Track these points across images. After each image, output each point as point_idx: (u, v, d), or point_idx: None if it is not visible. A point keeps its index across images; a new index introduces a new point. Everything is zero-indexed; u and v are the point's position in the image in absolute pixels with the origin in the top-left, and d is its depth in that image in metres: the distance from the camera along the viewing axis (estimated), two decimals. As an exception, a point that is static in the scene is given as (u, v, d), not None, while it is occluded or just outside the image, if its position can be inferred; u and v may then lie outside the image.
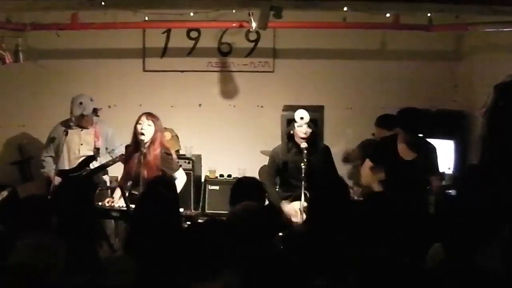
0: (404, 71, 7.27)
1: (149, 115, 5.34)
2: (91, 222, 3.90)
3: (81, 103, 5.76)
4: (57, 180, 5.54)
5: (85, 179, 4.97)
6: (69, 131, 5.75)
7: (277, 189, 5.57)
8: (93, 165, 5.53)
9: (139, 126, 5.28)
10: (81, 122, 5.81)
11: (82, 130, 5.81)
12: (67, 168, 5.70)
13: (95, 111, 5.88)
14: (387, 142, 5.37)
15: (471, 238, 3.14)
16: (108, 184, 5.96)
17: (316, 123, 5.30)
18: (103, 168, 5.57)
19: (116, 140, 5.98)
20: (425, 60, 7.31)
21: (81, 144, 5.80)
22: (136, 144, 5.27)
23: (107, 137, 5.95)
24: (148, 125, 5.28)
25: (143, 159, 5.19)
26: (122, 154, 5.52)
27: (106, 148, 5.95)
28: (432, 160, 5.21)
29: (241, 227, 3.38)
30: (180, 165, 5.74)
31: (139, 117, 5.33)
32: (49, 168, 5.83)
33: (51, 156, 5.90)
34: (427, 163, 5.15)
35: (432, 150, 5.24)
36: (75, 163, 5.65)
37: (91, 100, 5.84)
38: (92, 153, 5.70)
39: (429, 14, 6.26)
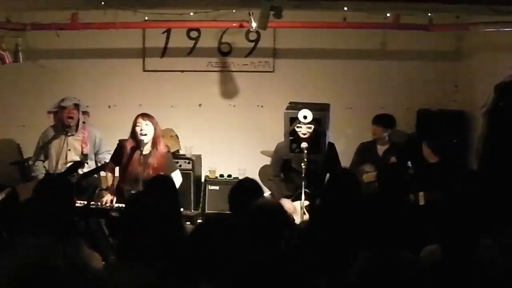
0: (404, 71, 7.27)
1: (145, 115, 5.38)
2: (72, 224, 3.87)
3: (63, 99, 5.80)
4: None
5: (66, 182, 4.94)
6: (59, 135, 5.77)
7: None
8: (82, 170, 5.57)
9: (137, 128, 5.31)
10: (62, 116, 5.77)
11: (69, 135, 5.78)
12: (54, 171, 5.71)
13: (76, 106, 5.84)
14: (411, 141, 5.37)
15: (469, 237, 3.14)
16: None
17: (319, 123, 5.26)
18: (88, 176, 5.58)
19: (103, 146, 5.98)
20: (425, 60, 7.31)
21: (69, 150, 5.78)
22: (136, 145, 5.29)
23: (95, 142, 5.95)
24: (146, 124, 5.32)
25: (145, 159, 5.23)
26: (107, 163, 5.55)
27: (95, 153, 5.97)
28: (456, 162, 5.21)
29: (257, 225, 3.37)
30: (180, 165, 5.76)
31: (135, 119, 5.36)
32: (38, 172, 5.86)
33: (41, 160, 5.92)
34: (451, 165, 5.14)
35: (455, 152, 5.26)
36: (62, 168, 5.65)
37: (75, 98, 5.85)
38: (79, 159, 5.73)
39: (429, 14, 6.26)
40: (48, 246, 3.20)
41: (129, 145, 5.35)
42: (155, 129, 5.35)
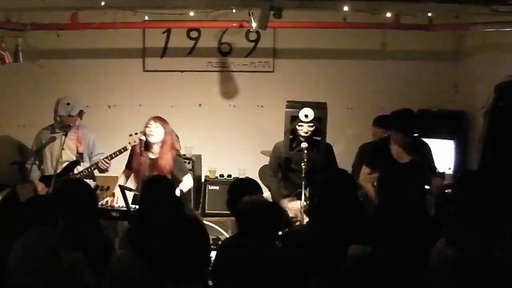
0: (404, 71, 7.27)
1: (158, 118, 5.47)
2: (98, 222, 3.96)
3: (68, 103, 5.79)
4: (41, 186, 5.62)
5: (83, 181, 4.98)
6: (57, 135, 5.76)
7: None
8: (77, 169, 5.57)
9: (147, 129, 5.39)
10: (67, 122, 5.78)
11: (64, 135, 5.77)
12: (51, 173, 5.68)
13: (80, 113, 5.87)
14: (380, 145, 5.36)
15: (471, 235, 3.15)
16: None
17: (320, 121, 5.28)
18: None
19: (97, 148, 5.96)
20: (425, 60, 7.31)
21: (63, 149, 5.76)
22: (144, 146, 5.34)
23: (89, 144, 5.94)
24: (156, 127, 5.38)
25: (153, 162, 5.30)
26: (98, 162, 5.59)
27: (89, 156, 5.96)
28: (429, 161, 5.19)
29: (247, 222, 3.37)
30: (190, 170, 5.85)
31: (147, 121, 5.44)
32: (34, 174, 5.85)
33: (36, 164, 5.90)
34: (423, 163, 5.13)
35: (427, 150, 5.23)
36: (58, 168, 5.64)
37: (68, 104, 5.84)
38: (74, 158, 5.74)
39: (429, 14, 6.26)
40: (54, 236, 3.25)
41: (139, 147, 5.39)
42: (165, 133, 5.39)
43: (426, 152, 5.22)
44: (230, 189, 4.15)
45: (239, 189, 4.06)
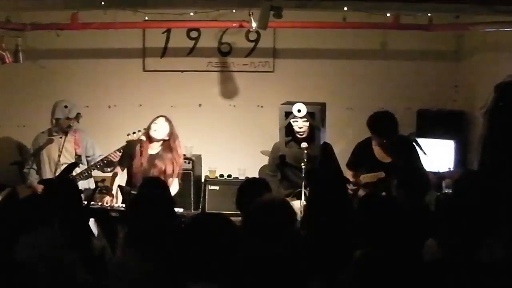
0: (404, 71, 7.27)
1: (167, 118, 5.50)
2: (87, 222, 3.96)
3: (66, 106, 5.78)
4: (41, 188, 5.61)
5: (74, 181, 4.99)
6: (57, 137, 5.78)
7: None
8: (76, 172, 5.58)
9: (154, 125, 5.43)
10: (65, 125, 5.79)
11: (61, 138, 5.77)
12: (49, 177, 5.69)
13: (77, 116, 5.87)
14: (361, 146, 5.38)
15: (470, 235, 3.15)
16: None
17: (313, 116, 5.29)
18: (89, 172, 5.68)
19: (97, 150, 5.96)
20: (425, 60, 7.31)
21: (61, 152, 5.77)
22: (148, 139, 5.34)
23: (86, 147, 5.94)
24: (164, 125, 5.45)
25: (152, 159, 5.29)
26: (109, 154, 5.60)
27: (87, 157, 5.95)
28: (412, 159, 5.20)
29: (263, 222, 3.35)
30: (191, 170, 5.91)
31: (156, 117, 5.48)
32: (32, 178, 5.86)
33: (34, 169, 5.91)
34: (407, 163, 5.14)
35: (410, 148, 5.23)
36: (56, 171, 5.65)
37: (66, 107, 5.84)
38: (72, 161, 5.74)
39: (429, 14, 6.26)
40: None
41: (140, 142, 5.39)
42: (170, 133, 5.39)
43: (409, 150, 5.23)
44: (239, 189, 4.15)
45: (249, 189, 4.06)
